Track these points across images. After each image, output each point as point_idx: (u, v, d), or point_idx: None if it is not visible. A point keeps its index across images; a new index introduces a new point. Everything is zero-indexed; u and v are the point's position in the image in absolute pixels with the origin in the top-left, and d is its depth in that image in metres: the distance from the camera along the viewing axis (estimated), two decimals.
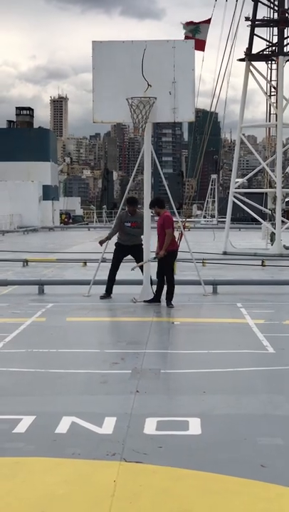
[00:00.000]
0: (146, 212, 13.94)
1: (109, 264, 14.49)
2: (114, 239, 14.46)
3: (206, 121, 26.22)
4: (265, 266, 20.47)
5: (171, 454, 5.40)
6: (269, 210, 28.56)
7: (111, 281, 14.11)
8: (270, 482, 4.84)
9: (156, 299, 13.22)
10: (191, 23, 23.07)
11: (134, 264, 14.03)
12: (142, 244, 13.95)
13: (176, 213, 16.71)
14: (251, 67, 27.03)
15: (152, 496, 4.62)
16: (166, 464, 5.17)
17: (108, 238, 14.25)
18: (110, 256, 14.49)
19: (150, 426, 6.05)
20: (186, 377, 7.98)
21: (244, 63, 27.03)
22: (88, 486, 4.79)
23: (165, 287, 13.21)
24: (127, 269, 14.30)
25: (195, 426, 6.05)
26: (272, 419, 6.32)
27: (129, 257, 14.29)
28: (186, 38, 21.14)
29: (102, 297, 13.99)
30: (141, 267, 13.78)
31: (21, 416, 6.32)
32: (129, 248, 14.13)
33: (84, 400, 6.96)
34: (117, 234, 14.34)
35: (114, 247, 14.33)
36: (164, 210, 13.48)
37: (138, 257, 13.96)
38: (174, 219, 13.92)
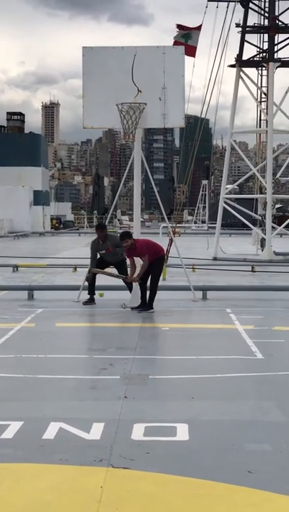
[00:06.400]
0: (137, 214, 14.10)
1: None
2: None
3: (197, 128, 26.29)
4: (255, 272, 20.50)
5: (158, 459, 5.40)
6: (259, 215, 28.65)
7: (91, 285, 14.07)
8: (256, 488, 4.84)
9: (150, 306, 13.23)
10: (181, 27, 23.01)
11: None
12: (125, 259, 13.86)
13: (166, 219, 16.73)
14: (242, 74, 27.13)
15: (139, 502, 4.62)
16: (153, 470, 5.16)
17: (92, 272, 13.84)
18: None
19: (138, 432, 6.04)
20: (175, 382, 7.98)
21: (234, 69, 27.13)
22: (75, 492, 4.79)
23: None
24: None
25: (183, 432, 6.05)
26: (260, 425, 6.33)
27: None
28: (176, 43, 21.09)
29: (86, 303, 13.92)
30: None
31: (9, 421, 6.31)
32: (112, 264, 14.13)
33: (72, 406, 6.95)
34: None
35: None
36: (132, 240, 12.91)
37: (122, 270, 13.96)
38: (164, 225, 13.99)
